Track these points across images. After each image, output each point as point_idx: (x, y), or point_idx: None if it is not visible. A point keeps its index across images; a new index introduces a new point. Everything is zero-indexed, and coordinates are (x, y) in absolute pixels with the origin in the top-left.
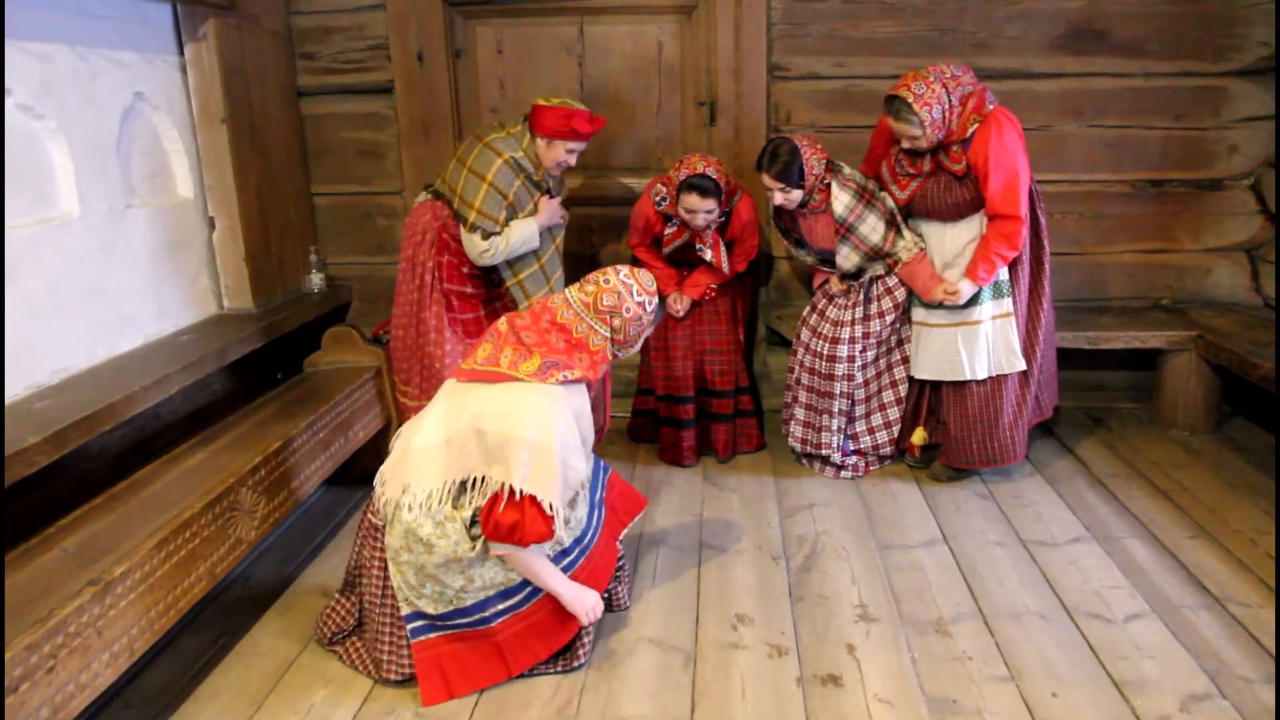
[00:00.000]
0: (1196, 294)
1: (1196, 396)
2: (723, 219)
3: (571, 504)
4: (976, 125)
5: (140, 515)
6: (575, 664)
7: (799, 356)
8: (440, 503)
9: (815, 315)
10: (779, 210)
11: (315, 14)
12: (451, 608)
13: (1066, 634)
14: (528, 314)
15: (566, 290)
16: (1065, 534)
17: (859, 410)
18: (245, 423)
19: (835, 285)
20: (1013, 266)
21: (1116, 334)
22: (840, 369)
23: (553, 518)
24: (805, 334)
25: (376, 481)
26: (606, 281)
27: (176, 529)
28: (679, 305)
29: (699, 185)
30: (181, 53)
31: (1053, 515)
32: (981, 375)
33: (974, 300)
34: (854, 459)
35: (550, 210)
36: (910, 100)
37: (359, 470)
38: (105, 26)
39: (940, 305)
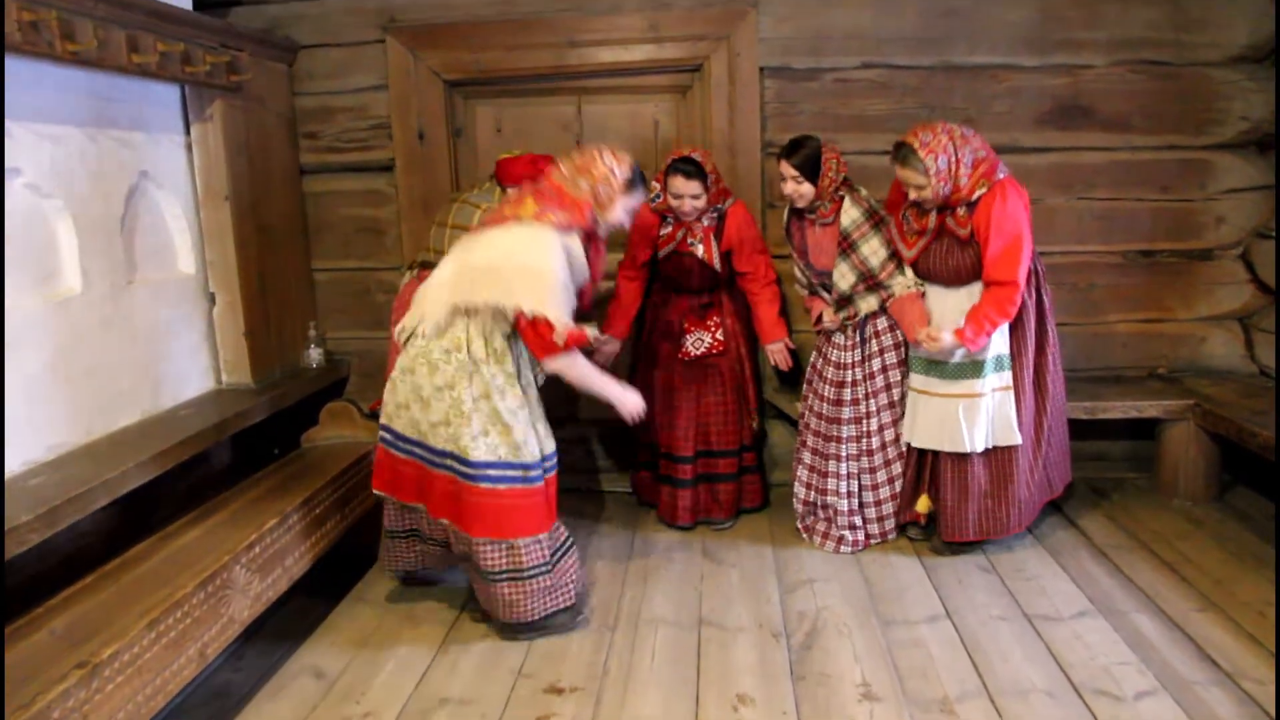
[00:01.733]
0: (1192, 362)
1: (1197, 465)
2: (715, 216)
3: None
4: (984, 189)
5: (131, 594)
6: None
7: (809, 402)
8: (447, 325)
9: (821, 360)
10: (791, 215)
11: (319, 95)
12: (413, 435)
13: (1075, 712)
14: (514, 190)
15: (559, 160)
16: (1070, 608)
17: (863, 465)
18: (241, 499)
19: (829, 318)
20: (1015, 340)
21: (1114, 403)
22: (846, 413)
23: (555, 328)
24: (815, 381)
25: (397, 328)
26: (585, 149)
27: (168, 608)
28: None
29: (682, 168)
30: (188, 132)
31: (1056, 588)
32: (980, 448)
33: (977, 371)
34: (857, 533)
35: None
36: (916, 146)
37: (355, 547)
38: (115, 108)
39: (942, 375)
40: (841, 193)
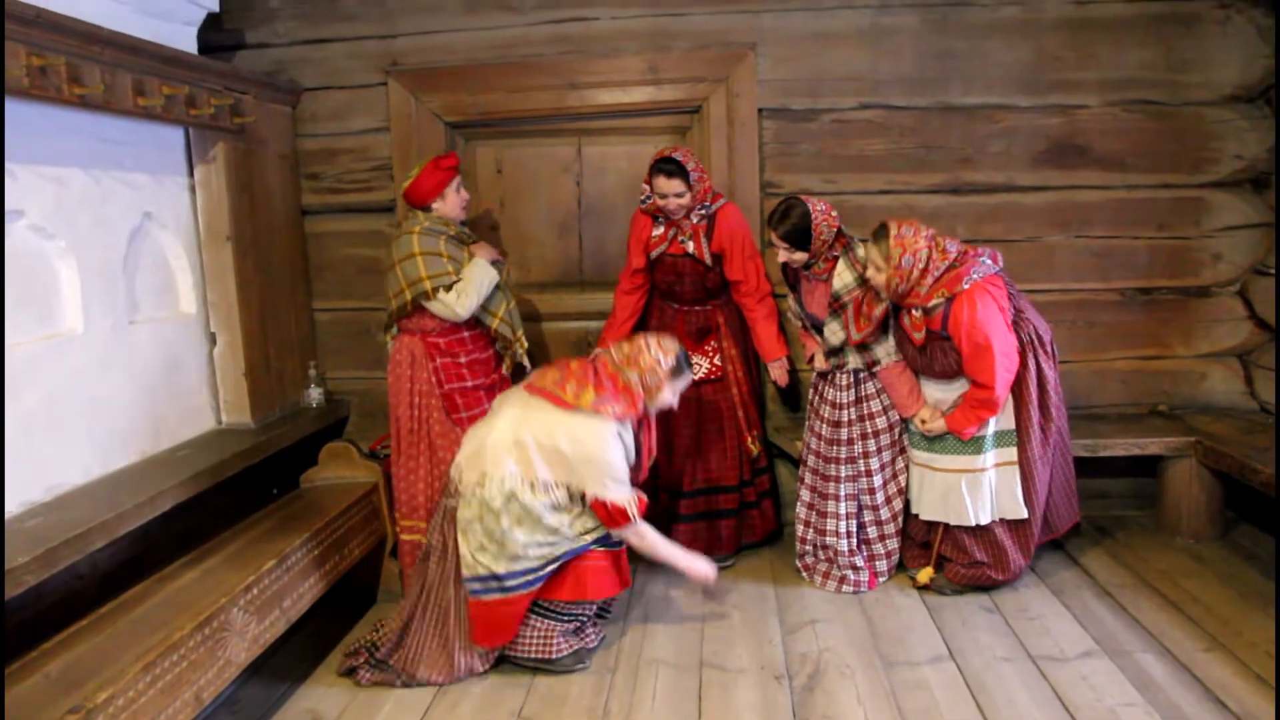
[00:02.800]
0: (1192, 399)
1: (1199, 503)
2: (703, 215)
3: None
4: (943, 299)
5: (127, 637)
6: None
7: (807, 439)
8: (511, 488)
9: (817, 398)
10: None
11: (321, 137)
12: (513, 568)
13: None
14: (577, 364)
15: (611, 348)
16: (1075, 648)
17: (865, 503)
18: (239, 540)
19: (820, 362)
20: (1021, 414)
21: (1115, 441)
22: (842, 452)
23: (626, 508)
24: (813, 419)
25: (454, 470)
26: (633, 340)
27: (164, 651)
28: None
29: (664, 167)
30: (191, 173)
31: (1061, 628)
32: (985, 520)
33: (978, 448)
34: (860, 574)
35: (485, 248)
36: (891, 234)
37: (354, 588)
38: (119, 150)
39: (943, 450)
40: (836, 252)
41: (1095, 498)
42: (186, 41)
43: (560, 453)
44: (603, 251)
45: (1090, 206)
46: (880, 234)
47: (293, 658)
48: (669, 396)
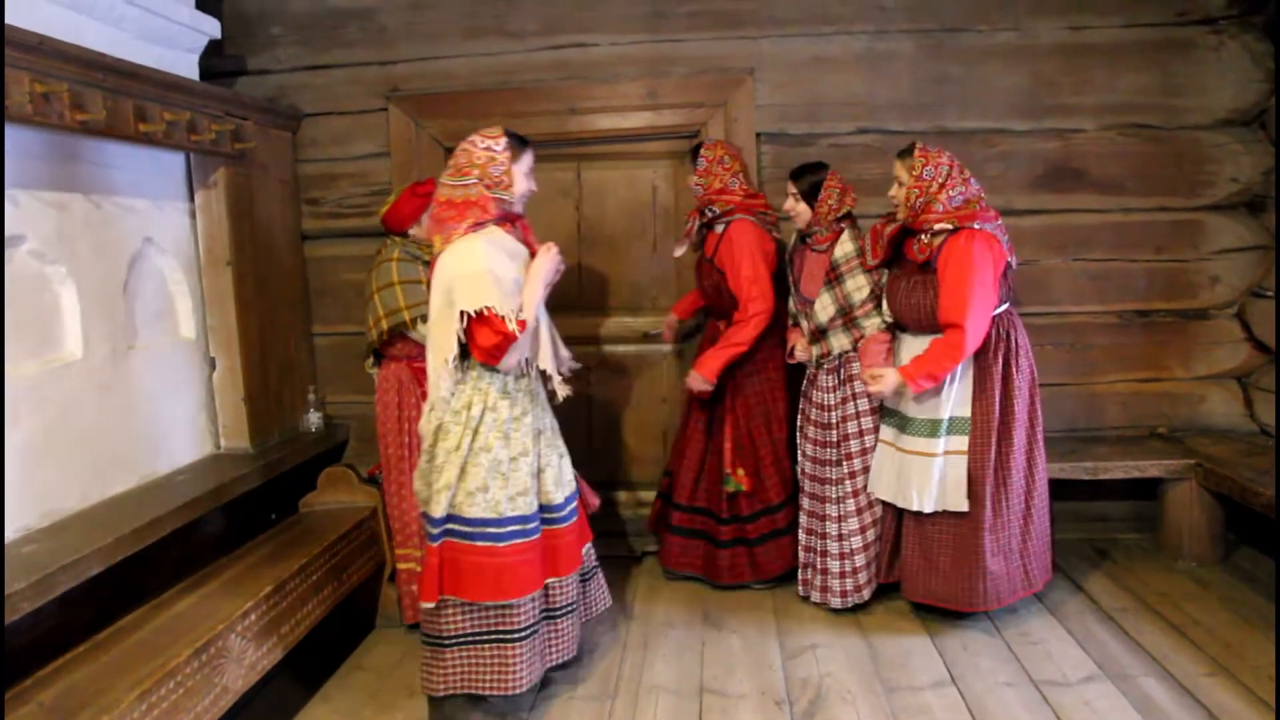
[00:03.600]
0: (1191, 422)
1: (1200, 525)
2: (714, 216)
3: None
4: (948, 228)
5: (123, 664)
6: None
7: (802, 447)
8: (451, 384)
9: (805, 403)
10: (796, 243)
11: (321, 162)
12: (445, 513)
13: None
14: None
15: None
16: (1077, 673)
17: (848, 509)
18: (237, 565)
19: (801, 348)
20: (979, 406)
21: (1115, 464)
22: (833, 454)
23: (504, 318)
24: (805, 425)
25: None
26: (457, 149)
27: (161, 679)
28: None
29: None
30: (191, 198)
31: (1063, 653)
32: (928, 509)
33: (934, 431)
34: (845, 581)
35: None
36: (918, 148)
37: (354, 614)
38: (120, 176)
39: (903, 429)
40: (842, 225)
41: (1095, 521)
42: (188, 68)
43: (445, 296)
44: (602, 276)
45: (1087, 229)
46: (906, 150)
47: (291, 684)
48: (523, 181)
